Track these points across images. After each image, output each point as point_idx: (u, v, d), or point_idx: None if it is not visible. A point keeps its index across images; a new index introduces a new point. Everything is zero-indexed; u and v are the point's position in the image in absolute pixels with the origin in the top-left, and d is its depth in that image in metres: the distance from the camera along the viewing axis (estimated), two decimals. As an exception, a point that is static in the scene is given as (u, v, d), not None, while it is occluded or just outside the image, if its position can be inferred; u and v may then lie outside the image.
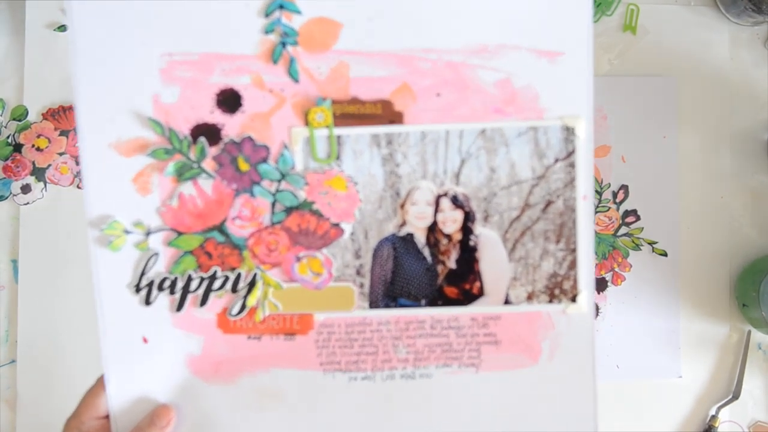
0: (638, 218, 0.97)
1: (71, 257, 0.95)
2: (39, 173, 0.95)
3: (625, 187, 0.96)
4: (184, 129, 0.60)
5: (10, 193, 0.95)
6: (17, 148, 0.95)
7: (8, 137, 0.95)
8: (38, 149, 0.95)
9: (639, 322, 0.97)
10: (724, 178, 0.98)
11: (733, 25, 0.99)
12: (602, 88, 0.95)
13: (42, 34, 0.96)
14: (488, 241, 0.62)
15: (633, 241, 0.97)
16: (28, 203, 0.95)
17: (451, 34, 0.60)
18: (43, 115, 0.95)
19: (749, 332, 0.97)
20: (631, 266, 0.97)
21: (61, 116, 0.95)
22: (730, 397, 0.97)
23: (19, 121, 0.95)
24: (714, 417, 0.96)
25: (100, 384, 0.63)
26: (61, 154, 0.95)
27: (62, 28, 0.95)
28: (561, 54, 0.60)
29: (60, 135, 0.95)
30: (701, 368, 0.98)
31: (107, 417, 0.63)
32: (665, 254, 0.97)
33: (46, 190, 0.95)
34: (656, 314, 0.97)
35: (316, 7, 0.59)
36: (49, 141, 0.95)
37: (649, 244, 0.97)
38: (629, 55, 0.97)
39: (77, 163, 0.94)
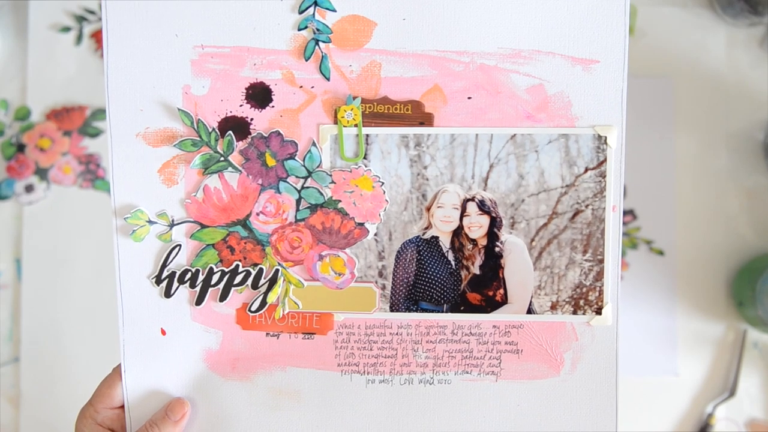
0: (635, 217, 0.98)
1: (74, 256, 0.96)
2: (42, 173, 0.95)
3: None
4: (213, 122, 0.60)
5: (14, 192, 0.95)
6: (20, 148, 0.95)
7: (11, 137, 0.95)
8: (41, 149, 0.95)
9: (636, 321, 0.97)
10: (721, 178, 0.98)
11: (730, 27, 0.99)
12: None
13: (45, 36, 0.96)
14: (514, 248, 0.61)
15: (630, 240, 0.97)
16: (31, 203, 0.95)
17: (485, 37, 0.59)
18: (46, 115, 0.96)
19: (745, 331, 0.97)
20: (628, 265, 0.97)
21: (64, 117, 0.96)
22: (727, 394, 0.97)
23: (23, 121, 0.96)
24: (710, 415, 0.96)
25: (115, 374, 0.63)
26: (64, 154, 0.96)
27: (65, 29, 0.96)
28: (596, 62, 0.59)
29: (63, 135, 0.96)
30: (698, 366, 0.98)
31: (122, 407, 0.63)
32: (662, 253, 0.97)
33: (49, 190, 0.96)
34: (653, 313, 0.97)
35: (350, 5, 0.59)
36: (52, 141, 0.95)
37: (646, 243, 0.97)
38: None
39: (80, 163, 0.95)
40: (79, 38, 0.96)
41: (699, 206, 0.98)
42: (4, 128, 0.95)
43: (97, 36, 0.95)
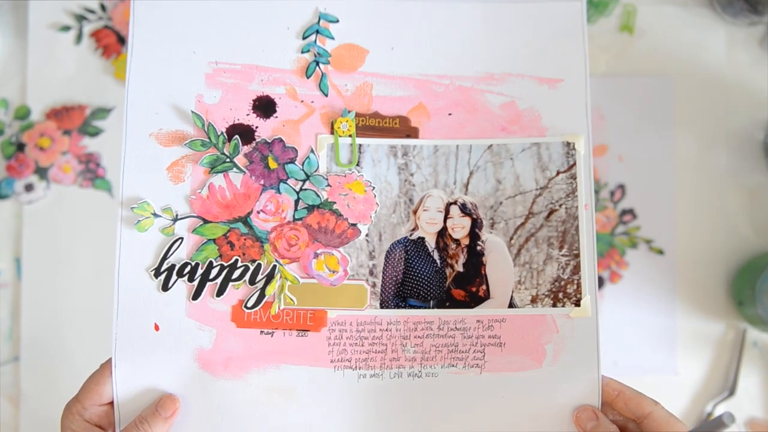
0: (635, 217, 0.99)
1: (74, 255, 0.96)
2: (42, 172, 0.96)
3: (622, 187, 0.99)
4: (222, 127, 0.66)
5: (14, 192, 0.96)
6: (20, 147, 0.96)
7: (11, 137, 0.96)
8: (41, 149, 0.96)
9: (636, 320, 0.97)
10: (721, 177, 0.99)
11: (730, 26, 1.00)
12: (600, 88, 0.98)
13: (45, 35, 0.98)
14: (494, 246, 0.66)
15: (630, 240, 0.99)
16: (31, 202, 0.96)
17: (462, 62, 0.68)
18: (46, 114, 0.97)
19: (745, 330, 0.97)
20: (628, 264, 0.98)
21: (64, 116, 0.97)
22: (726, 393, 0.96)
23: (22, 120, 0.96)
24: (710, 414, 0.95)
25: (104, 371, 0.63)
26: (63, 153, 0.97)
27: (65, 28, 0.98)
28: (560, 81, 0.68)
29: (63, 134, 0.97)
30: (698, 365, 0.98)
31: (109, 404, 0.63)
32: (662, 253, 0.98)
33: (49, 189, 0.96)
34: (653, 312, 0.97)
35: (346, 35, 0.68)
36: (52, 140, 0.96)
37: (645, 242, 0.98)
38: (626, 56, 1.00)
39: (80, 163, 0.97)
40: (78, 37, 0.98)
41: (699, 206, 0.99)
42: (4, 127, 0.96)
43: (96, 35, 0.98)
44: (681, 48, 1.00)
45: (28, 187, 0.96)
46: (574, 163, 0.67)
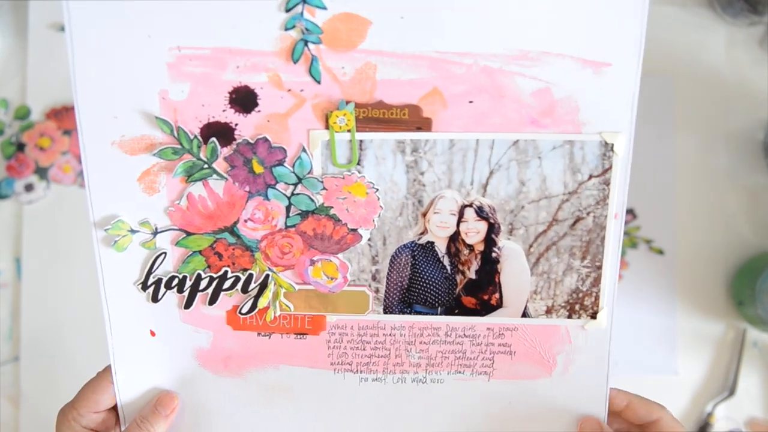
0: (635, 217, 0.97)
1: (74, 255, 0.95)
2: (42, 172, 0.95)
3: (622, 186, 0.97)
4: (194, 128, 0.55)
5: (14, 192, 0.94)
6: (20, 147, 0.94)
7: (11, 137, 0.94)
8: (41, 149, 0.94)
9: (636, 320, 0.98)
10: (721, 177, 0.98)
11: (730, 26, 0.99)
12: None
13: (45, 34, 0.94)
14: (511, 253, 0.60)
15: (630, 240, 0.97)
16: (31, 202, 0.95)
17: (489, 37, 0.54)
18: (46, 114, 0.94)
19: (745, 330, 0.98)
20: (628, 264, 0.98)
21: (64, 116, 0.94)
22: (726, 394, 0.99)
23: (22, 120, 0.94)
24: (710, 414, 0.98)
25: (101, 379, 0.62)
26: (63, 153, 0.95)
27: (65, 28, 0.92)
28: (608, 65, 0.55)
29: (63, 134, 0.95)
30: (698, 365, 0.99)
31: (106, 411, 0.62)
32: (662, 252, 0.97)
33: (49, 189, 0.95)
34: (653, 312, 0.98)
35: (342, 2, 0.53)
36: (52, 140, 0.94)
37: (645, 242, 0.97)
38: (626, 55, 0.96)
39: (80, 163, 0.91)
40: (78, 37, 0.93)
41: (699, 206, 0.97)
42: (4, 127, 0.94)
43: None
44: (681, 48, 0.99)
45: (28, 187, 0.94)
46: (610, 167, 0.57)
